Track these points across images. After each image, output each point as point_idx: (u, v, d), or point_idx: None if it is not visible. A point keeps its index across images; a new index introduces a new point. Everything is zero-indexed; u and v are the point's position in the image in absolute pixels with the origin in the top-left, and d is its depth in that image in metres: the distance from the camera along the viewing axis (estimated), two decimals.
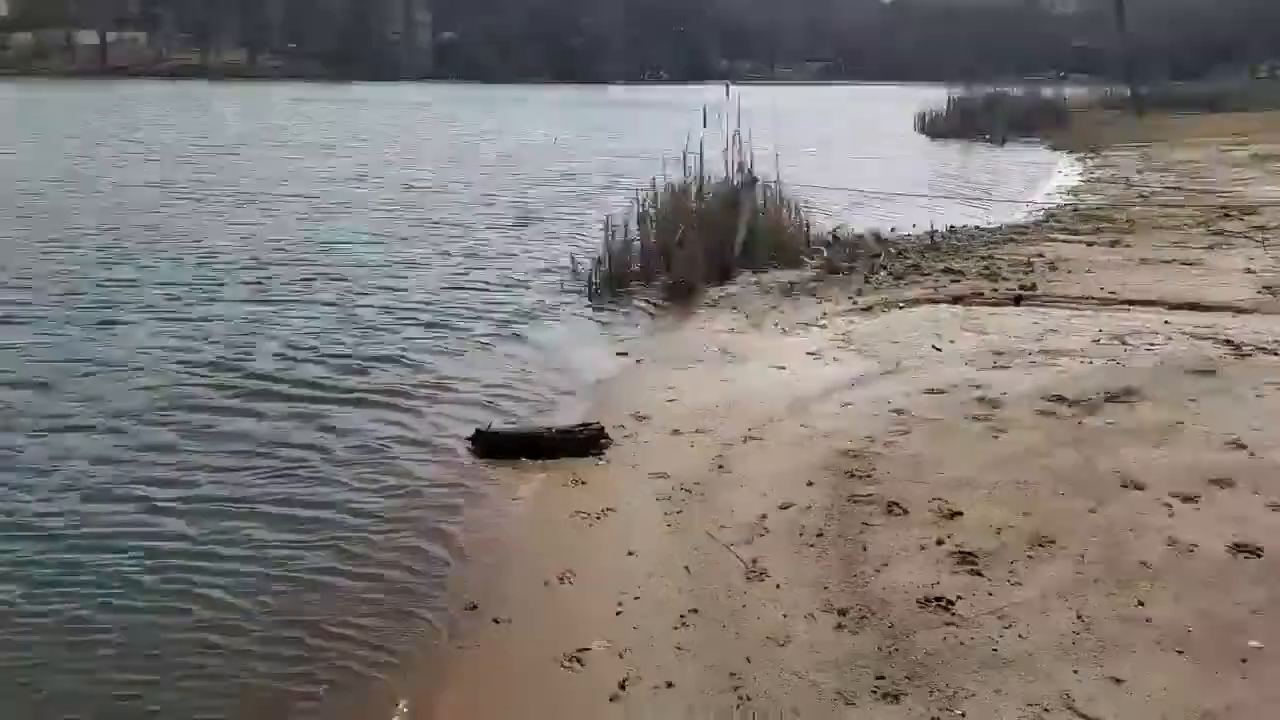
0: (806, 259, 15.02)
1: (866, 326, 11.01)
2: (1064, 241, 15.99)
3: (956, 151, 36.06)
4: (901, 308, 11.85)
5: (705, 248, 13.79)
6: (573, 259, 14.31)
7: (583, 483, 7.02)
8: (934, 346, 9.98)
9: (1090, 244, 15.68)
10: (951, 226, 17.39)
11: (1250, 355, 9.25)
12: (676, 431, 7.85)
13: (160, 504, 6.60)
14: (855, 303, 12.24)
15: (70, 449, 7.48)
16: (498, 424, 7.93)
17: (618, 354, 10.41)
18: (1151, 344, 9.70)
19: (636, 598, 5.40)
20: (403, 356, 10.01)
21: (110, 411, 8.22)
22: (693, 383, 9.13)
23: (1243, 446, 6.88)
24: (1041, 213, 19.49)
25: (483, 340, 10.81)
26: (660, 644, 4.93)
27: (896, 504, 6.22)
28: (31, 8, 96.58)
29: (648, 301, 12.85)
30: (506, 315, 11.89)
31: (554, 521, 6.48)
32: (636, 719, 4.41)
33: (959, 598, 5.12)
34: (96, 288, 12.67)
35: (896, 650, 4.71)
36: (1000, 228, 17.57)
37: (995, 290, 12.51)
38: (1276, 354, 9.29)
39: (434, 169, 27.61)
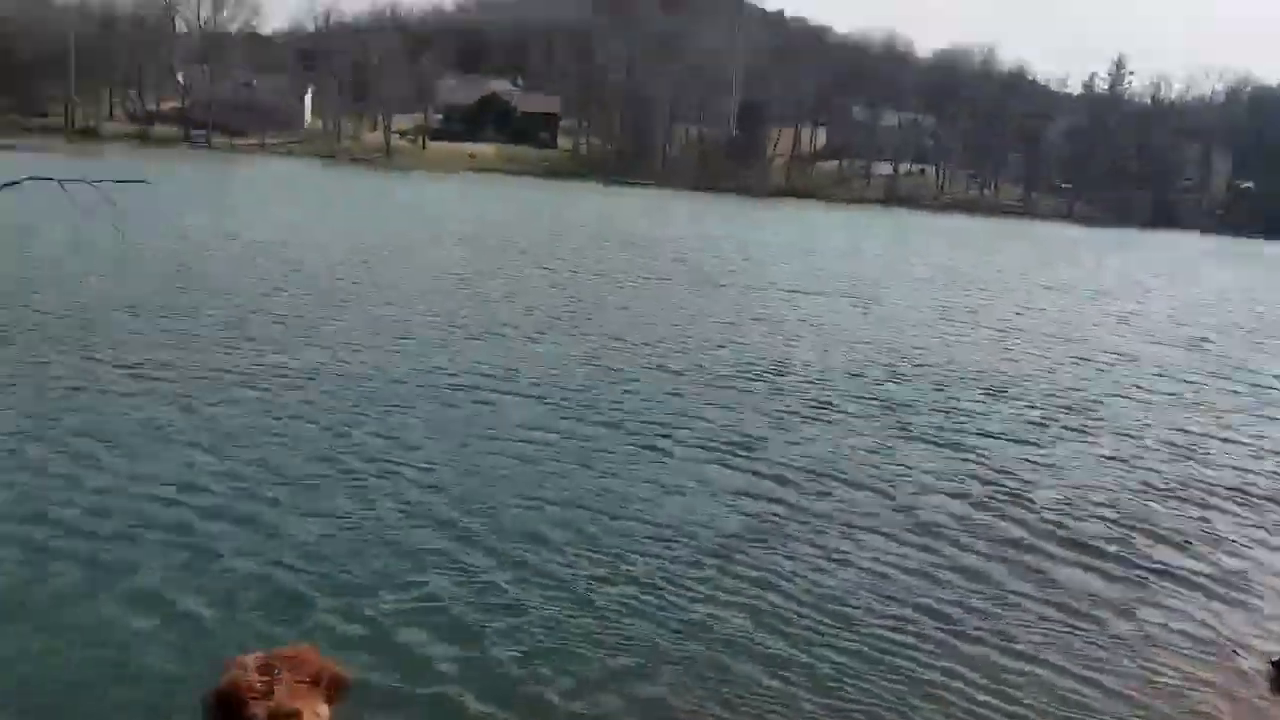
0: None
1: None
2: None
3: None
4: None
5: None
6: None
7: None
8: None
9: None
10: None
11: None
12: None
13: (968, 631, 6.83)
14: None
15: (876, 552, 8.14)
16: None
17: None
18: None
19: None
20: (1215, 536, 9.15)
21: (909, 524, 8.80)
22: None
23: None
24: None
25: None
26: None
27: None
28: (842, 142, 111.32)
29: None
30: None
31: None
32: None
33: None
34: (883, 402, 13.73)
35: None
36: None
37: None
38: None
39: (1230, 330, 25.22)
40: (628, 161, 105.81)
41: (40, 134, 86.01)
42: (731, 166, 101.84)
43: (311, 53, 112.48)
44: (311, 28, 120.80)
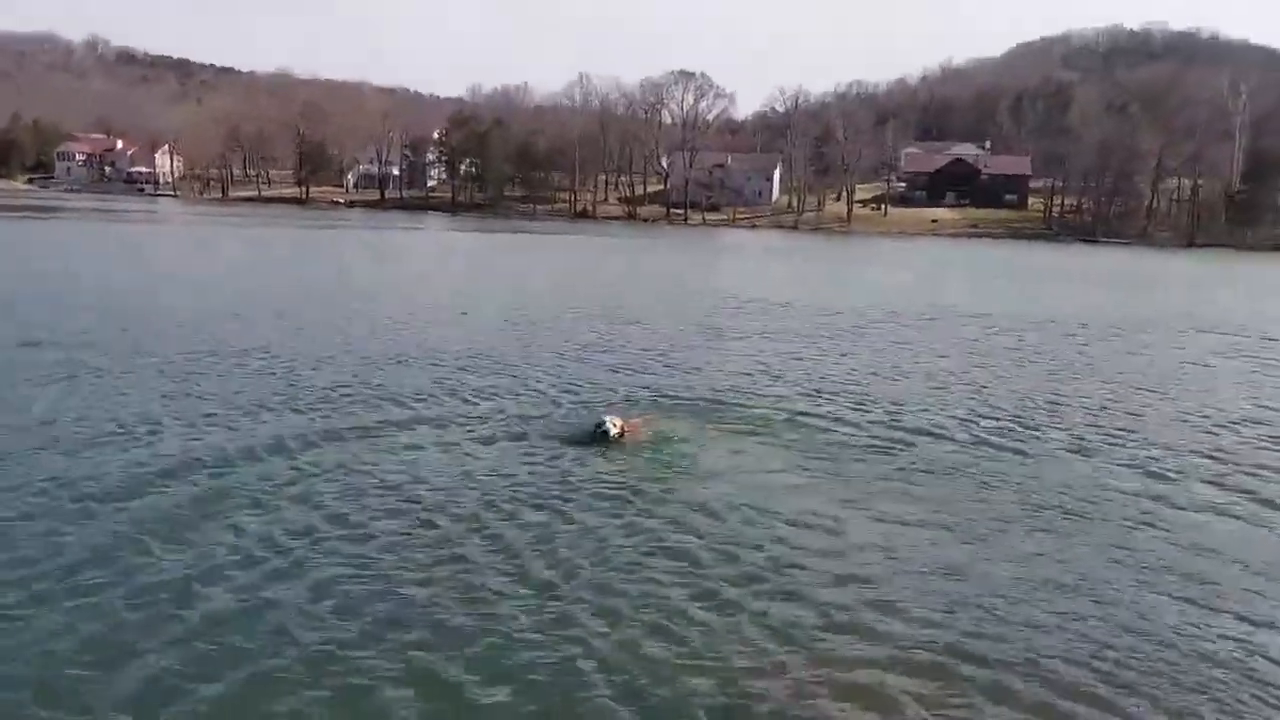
0: None
1: None
2: None
3: None
4: None
5: None
6: None
7: None
8: None
9: None
10: None
11: None
12: None
13: None
14: None
15: None
16: None
17: None
18: None
19: None
20: None
21: None
22: None
23: None
24: None
25: None
26: None
27: None
28: None
29: None
30: None
31: None
32: None
33: None
34: None
35: None
36: None
37: None
38: None
39: None
40: (1104, 219, 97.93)
41: (548, 218, 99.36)
42: (1234, 220, 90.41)
43: (780, 131, 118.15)
44: (781, 109, 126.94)
